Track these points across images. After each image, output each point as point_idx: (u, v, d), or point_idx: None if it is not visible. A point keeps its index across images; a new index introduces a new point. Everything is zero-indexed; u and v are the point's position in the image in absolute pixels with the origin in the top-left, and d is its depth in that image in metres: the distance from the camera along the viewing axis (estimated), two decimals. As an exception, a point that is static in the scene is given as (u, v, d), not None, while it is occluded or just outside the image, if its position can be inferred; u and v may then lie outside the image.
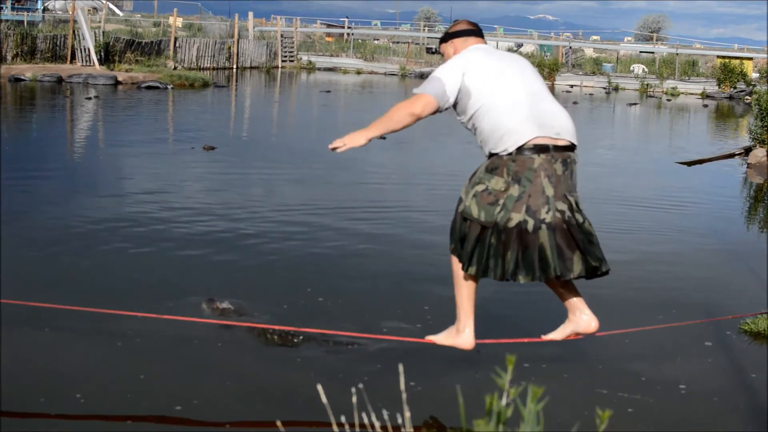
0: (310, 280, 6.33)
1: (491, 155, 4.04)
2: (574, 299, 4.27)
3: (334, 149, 4.10)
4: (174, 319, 5.06)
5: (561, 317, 4.39)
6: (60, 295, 5.59)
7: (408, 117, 4.05)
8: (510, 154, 3.95)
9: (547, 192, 3.94)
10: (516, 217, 3.93)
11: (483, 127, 4.05)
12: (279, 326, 5.15)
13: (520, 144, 3.94)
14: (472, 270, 4.09)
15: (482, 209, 3.99)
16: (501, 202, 3.95)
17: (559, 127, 4.04)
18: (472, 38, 4.33)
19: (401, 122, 4.07)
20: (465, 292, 4.23)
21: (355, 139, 4.07)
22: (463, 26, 4.39)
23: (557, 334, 4.37)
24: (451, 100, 4.07)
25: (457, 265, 4.21)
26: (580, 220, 4.06)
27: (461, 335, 4.29)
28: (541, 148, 3.95)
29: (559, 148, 3.99)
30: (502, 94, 4.03)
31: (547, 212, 3.94)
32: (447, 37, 4.40)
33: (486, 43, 4.41)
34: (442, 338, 4.41)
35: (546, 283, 4.23)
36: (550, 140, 3.98)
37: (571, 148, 4.06)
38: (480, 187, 4.02)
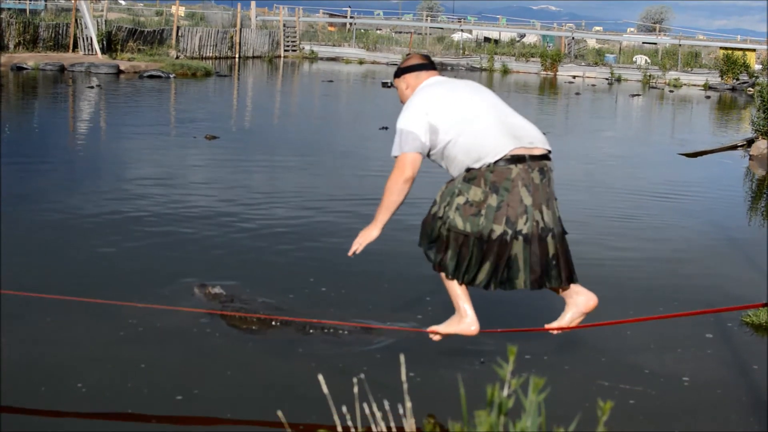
0: (313, 270, 6.33)
1: (468, 170, 4.07)
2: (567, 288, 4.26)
3: (353, 253, 4.28)
4: (185, 310, 5.07)
5: (562, 303, 4.37)
6: (58, 284, 5.60)
7: (405, 185, 4.12)
8: (488, 165, 4.00)
9: (525, 201, 3.98)
10: (498, 229, 3.98)
11: (456, 154, 4.09)
12: (283, 317, 5.16)
13: (498, 157, 3.99)
14: (456, 278, 4.13)
15: (467, 221, 4.03)
16: (483, 212, 3.99)
17: (531, 137, 4.10)
18: (424, 72, 4.37)
19: (402, 193, 4.15)
20: (455, 289, 4.23)
21: (369, 235, 4.25)
22: (415, 61, 4.42)
23: (561, 322, 4.35)
24: (429, 145, 4.10)
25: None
26: (558, 230, 4.11)
27: (464, 320, 4.27)
28: (517, 159, 4.00)
29: (534, 158, 4.04)
30: (471, 121, 4.08)
31: (524, 223, 3.99)
32: (399, 72, 4.44)
33: (439, 74, 4.44)
34: (445, 327, 4.40)
35: None
36: (525, 150, 4.03)
37: (546, 156, 4.12)
38: (461, 200, 4.05)
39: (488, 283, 4.07)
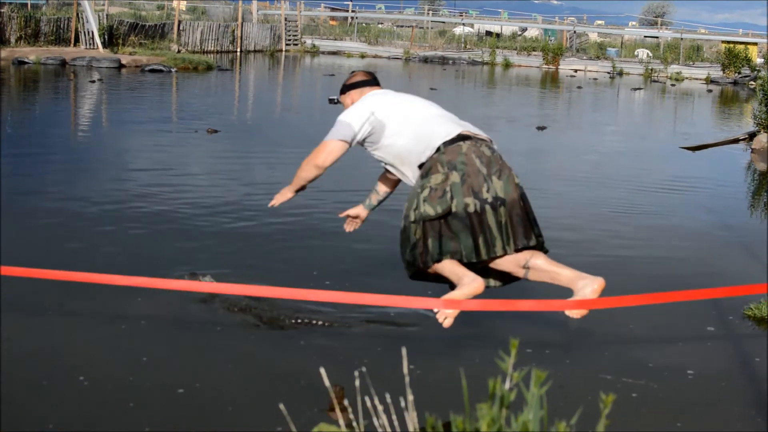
0: (315, 263, 6.33)
1: (421, 165, 4.26)
2: (565, 274, 4.15)
3: (272, 206, 4.72)
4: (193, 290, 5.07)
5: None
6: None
7: (314, 170, 4.40)
8: (438, 149, 4.18)
9: (483, 171, 4.11)
10: (470, 202, 4.05)
11: (402, 146, 4.33)
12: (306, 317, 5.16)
13: (447, 139, 4.20)
14: (442, 256, 4.10)
15: (437, 204, 4.08)
16: (448, 190, 4.07)
17: (473, 127, 4.37)
18: (368, 88, 4.63)
19: (310, 174, 4.44)
20: (447, 266, 4.16)
21: (284, 194, 4.63)
22: (359, 78, 4.68)
23: (575, 314, 4.22)
24: (359, 137, 4.35)
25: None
26: (514, 196, 4.17)
27: (464, 281, 4.06)
28: (464, 137, 4.22)
29: (480, 138, 4.26)
30: (415, 116, 4.35)
31: (487, 191, 4.08)
32: (345, 89, 4.69)
33: (382, 88, 4.68)
34: (451, 295, 4.21)
35: (529, 279, 4.22)
36: (470, 133, 4.27)
37: (490, 142, 4.33)
38: (425, 192, 4.13)
39: (469, 255, 4.08)
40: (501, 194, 4.10)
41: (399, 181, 4.75)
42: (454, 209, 4.05)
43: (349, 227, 5.04)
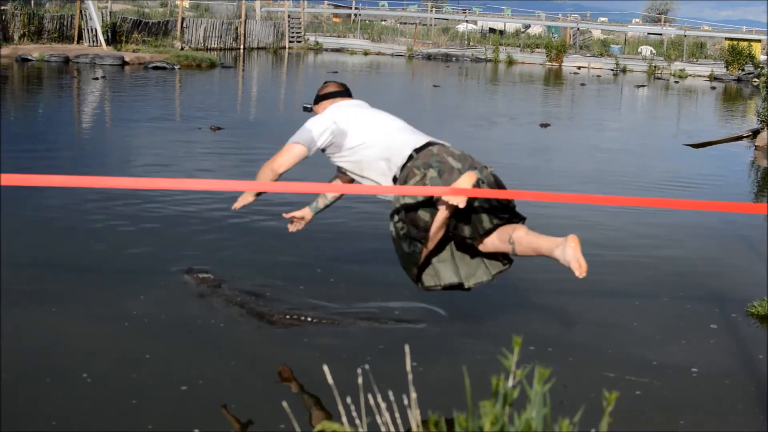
0: (319, 260, 6.33)
1: (395, 178, 4.39)
2: (545, 244, 4.25)
3: (235, 209, 4.85)
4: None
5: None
6: (48, 267, 5.61)
7: (270, 173, 4.48)
8: (410, 157, 4.32)
9: (456, 166, 4.25)
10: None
11: (369, 156, 4.45)
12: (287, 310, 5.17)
13: (415, 147, 4.35)
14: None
15: (416, 197, 4.23)
16: (427, 183, 4.21)
17: (438, 140, 4.49)
18: (339, 98, 4.76)
19: (267, 177, 4.51)
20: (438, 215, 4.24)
21: (245, 198, 4.76)
22: (331, 89, 4.81)
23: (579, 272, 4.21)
24: (319, 144, 4.47)
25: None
26: (495, 179, 4.35)
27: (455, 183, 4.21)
28: (432, 143, 4.40)
29: (445, 145, 4.41)
30: (380, 126, 4.51)
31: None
32: (317, 99, 4.82)
33: (354, 99, 4.80)
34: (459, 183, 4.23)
35: (516, 253, 4.37)
36: (437, 141, 4.44)
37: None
38: (408, 198, 4.25)
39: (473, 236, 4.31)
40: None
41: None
42: (434, 199, 4.18)
43: (292, 227, 5.12)
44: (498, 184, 4.34)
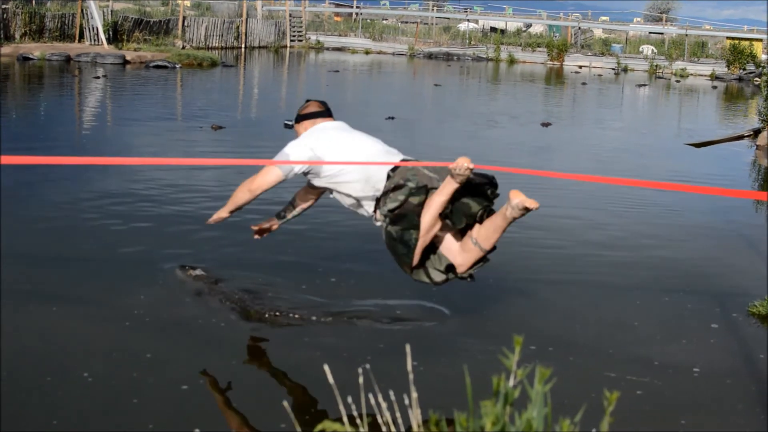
0: (319, 259, 6.32)
1: (377, 199, 4.50)
2: (498, 219, 4.34)
3: (208, 223, 5.04)
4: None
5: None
6: (49, 266, 5.60)
7: (248, 193, 4.65)
8: (388, 176, 4.44)
9: (434, 176, 4.39)
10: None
11: (349, 181, 4.54)
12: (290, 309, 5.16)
13: (392, 168, 4.46)
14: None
15: (398, 195, 4.36)
16: (411, 192, 4.36)
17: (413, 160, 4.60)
18: (320, 119, 4.83)
19: (244, 197, 4.68)
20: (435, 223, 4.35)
21: (219, 215, 4.88)
22: (312, 108, 4.88)
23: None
24: (296, 170, 4.57)
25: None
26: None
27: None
28: (408, 161, 4.52)
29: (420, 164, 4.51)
30: (357, 150, 4.55)
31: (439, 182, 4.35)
32: (298, 118, 4.89)
33: (334, 120, 4.89)
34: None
35: (488, 248, 4.45)
36: (411, 159, 4.58)
37: None
38: (391, 212, 4.38)
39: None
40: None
41: (317, 199, 5.10)
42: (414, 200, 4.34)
43: (258, 236, 5.22)
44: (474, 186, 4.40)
